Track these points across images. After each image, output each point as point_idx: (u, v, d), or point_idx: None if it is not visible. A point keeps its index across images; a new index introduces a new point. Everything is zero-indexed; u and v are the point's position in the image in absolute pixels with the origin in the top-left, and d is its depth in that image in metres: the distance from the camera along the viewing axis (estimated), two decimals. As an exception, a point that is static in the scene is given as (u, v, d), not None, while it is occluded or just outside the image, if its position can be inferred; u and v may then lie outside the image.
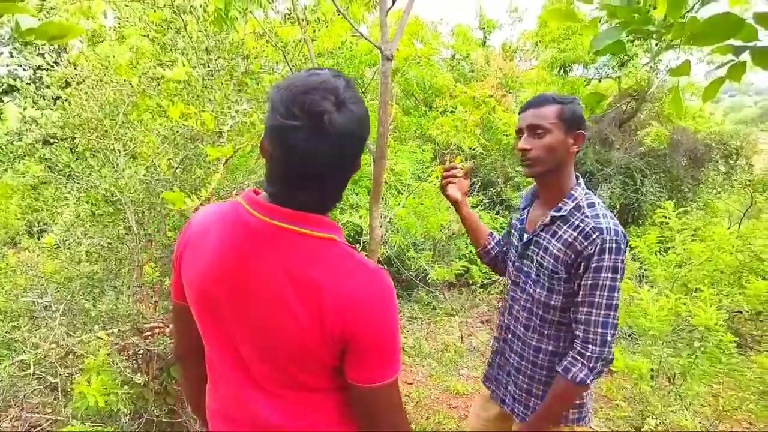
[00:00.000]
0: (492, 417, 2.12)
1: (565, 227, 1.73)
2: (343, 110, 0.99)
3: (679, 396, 3.08)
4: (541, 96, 1.76)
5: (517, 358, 1.95)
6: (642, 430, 3.47)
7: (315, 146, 0.98)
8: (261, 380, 1.14)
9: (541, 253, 1.80)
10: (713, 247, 4.19)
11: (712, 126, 10.38)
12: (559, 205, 1.77)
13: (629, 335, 4.89)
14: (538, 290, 1.82)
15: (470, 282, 7.33)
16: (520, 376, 1.93)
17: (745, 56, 1.21)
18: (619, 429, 3.67)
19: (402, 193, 6.65)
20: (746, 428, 3.73)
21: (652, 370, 3.07)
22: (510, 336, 1.99)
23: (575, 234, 1.68)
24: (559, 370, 1.72)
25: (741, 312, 5.21)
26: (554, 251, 1.74)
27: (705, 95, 1.19)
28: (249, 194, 1.14)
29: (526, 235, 1.89)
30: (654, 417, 3.27)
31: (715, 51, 1.16)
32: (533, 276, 1.84)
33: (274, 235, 1.07)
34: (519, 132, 1.79)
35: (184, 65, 2.41)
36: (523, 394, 1.92)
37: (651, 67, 9.17)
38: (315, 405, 1.16)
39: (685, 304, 3.27)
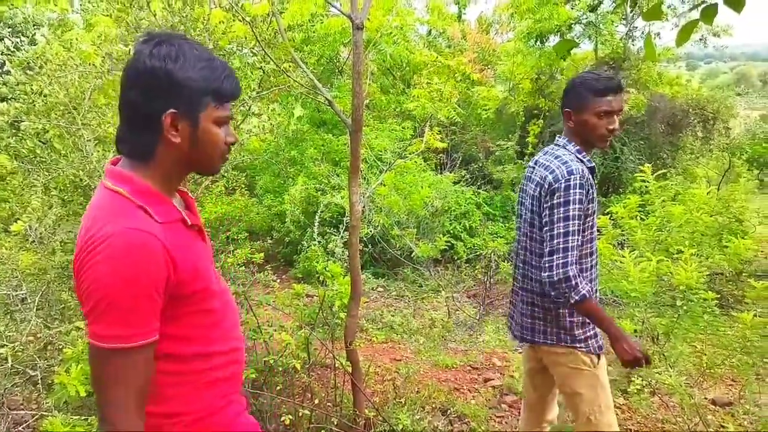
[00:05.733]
0: (527, 356, 2.44)
1: None
2: (150, 51, 1.09)
3: (664, 356, 3.11)
4: (619, 79, 2.06)
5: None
6: (628, 391, 3.52)
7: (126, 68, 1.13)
8: None
9: None
10: (692, 208, 4.22)
11: (690, 92, 10.42)
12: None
13: (613, 300, 4.94)
14: None
15: (455, 258, 7.34)
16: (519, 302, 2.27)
17: (717, -2, 1.19)
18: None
19: (383, 172, 6.61)
20: (729, 384, 3.80)
21: (635, 331, 3.10)
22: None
23: None
24: None
25: (722, 274, 5.30)
26: None
27: (679, 39, 1.16)
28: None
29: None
30: (639, 377, 3.30)
31: (687, -6, 1.13)
32: None
33: (97, 191, 1.16)
34: (608, 114, 2.02)
35: (147, 43, 2.34)
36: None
37: (627, 34, 9.16)
38: None
39: (667, 266, 3.29)
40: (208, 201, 3.41)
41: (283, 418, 2.86)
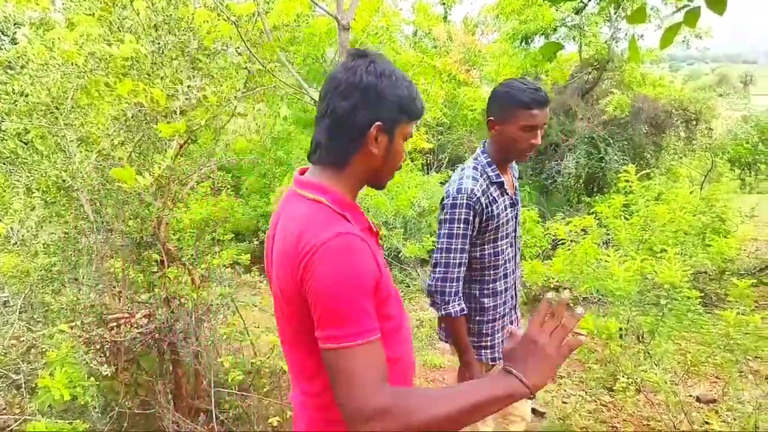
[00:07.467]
0: None
1: None
2: (366, 67, 1.18)
3: (649, 354, 3.14)
4: (545, 93, 1.95)
5: None
6: (614, 389, 3.55)
7: (334, 74, 1.21)
8: (290, 343, 1.26)
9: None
10: (676, 207, 4.27)
11: (672, 93, 10.54)
12: (513, 173, 2.23)
13: (598, 299, 4.98)
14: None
15: (442, 257, 7.35)
16: None
17: (700, 1, 1.20)
18: (592, 390, 3.75)
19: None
20: (713, 381, 3.85)
21: (620, 329, 3.12)
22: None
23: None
24: None
25: (705, 272, 5.36)
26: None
27: (662, 42, 1.17)
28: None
29: (513, 198, 2.16)
30: (625, 376, 3.33)
31: (670, -4, 1.15)
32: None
33: (291, 201, 1.25)
34: (533, 128, 1.95)
35: (131, 42, 2.31)
36: None
37: (611, 36, 9.25)
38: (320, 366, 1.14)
39: (651, 265, 3.32)
40: (194, 202, 3.39)
41: (270, 420, 2.85)
